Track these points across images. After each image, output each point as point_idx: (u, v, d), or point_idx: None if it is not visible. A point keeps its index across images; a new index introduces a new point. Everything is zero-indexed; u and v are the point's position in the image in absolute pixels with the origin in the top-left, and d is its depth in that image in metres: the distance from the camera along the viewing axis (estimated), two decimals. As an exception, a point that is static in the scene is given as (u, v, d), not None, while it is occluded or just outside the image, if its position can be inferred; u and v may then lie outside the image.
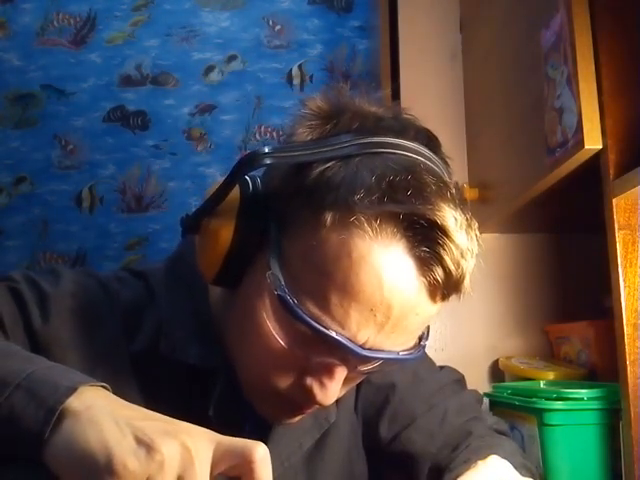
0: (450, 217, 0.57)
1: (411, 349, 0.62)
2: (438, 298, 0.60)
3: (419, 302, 0.58)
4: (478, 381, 1.36)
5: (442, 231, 0.56)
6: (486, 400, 1.15)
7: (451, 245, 0.57)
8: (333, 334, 0.57)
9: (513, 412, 1.07)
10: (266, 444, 0.49)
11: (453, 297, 0.61)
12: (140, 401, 0.63)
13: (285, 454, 0.71)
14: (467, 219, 0.59)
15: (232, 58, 2.20)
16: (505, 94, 1.22)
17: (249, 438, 0.49)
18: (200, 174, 2.13)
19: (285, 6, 2.22)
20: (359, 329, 0.58)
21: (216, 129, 2.16)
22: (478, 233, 0.61)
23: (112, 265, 2.07)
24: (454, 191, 0.60)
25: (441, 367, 0.88)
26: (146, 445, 0.45)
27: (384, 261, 0.56)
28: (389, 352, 0.60)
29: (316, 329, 0.57)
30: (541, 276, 1.42)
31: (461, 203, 0.60)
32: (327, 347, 0.59)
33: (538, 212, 1.23)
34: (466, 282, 0.60)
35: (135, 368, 0.67)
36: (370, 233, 0.56)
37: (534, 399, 1.01)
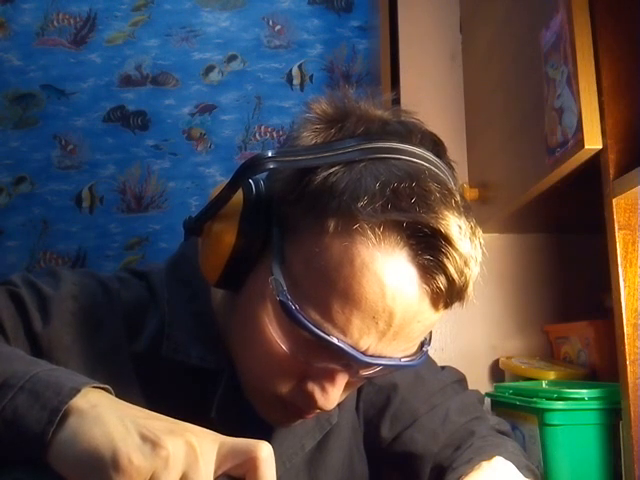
0: (454, 225, 0.57)
1: (413, 355, 0.63)
2: (441, 306, 0.60)
3: (421, 310, 0.58)
4: (478, 381, 1.36)
5: (445, 239, 0.56)
6: (487, 400, 1.15)
7: (454, 254, 0.56)
8: (335, 341, 0.57)
9: (514, 412, 1.07)
10: (268, 445, 0.49)
11: (456, 304, 0.61)
12: (142, 402, 0.63)
13: (287, 455, 0.71)
14: (471, 227, 0.59)
15: (232, 58, 2.20)
16: (505, 94, 1.22)
17: (251, 439, 0.50)
18: (200, 174, 2.13)
19: (285, 6, 2.22)
20: (361, 336, 0.58)
21: (216, 129, 2.16)
22: (482, 241, 0.61)
23: (112, 265, 2.07)
24: (458, 198, 0.59)
25: (442, 367, 0.88)
26: (151, 441, 0.45)
27: (387, 269, 0.56)
28: (390, 358, 0.60)
29: (317, 335, 0.57)
30: (541, 276, 1.42)
31: (466, 210, 0.59)
32: (329, 353, 0.59)
33: (538, 212, 1.24)
34: (469, 290, 0.60)
35: (137, 369, 0.68)
36: (373, 240, 0.56)
37: (535, 399, 1.01)
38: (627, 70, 0.89)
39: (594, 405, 0.98)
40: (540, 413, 0.99)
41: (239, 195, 0.62)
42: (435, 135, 0.66)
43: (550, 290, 1.41)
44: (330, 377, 0.61)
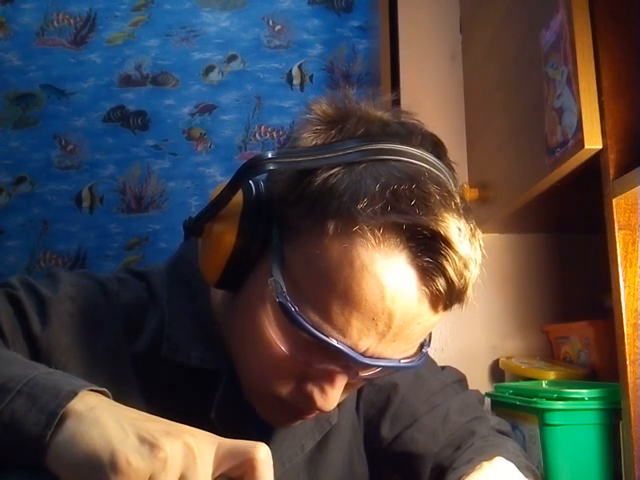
0: (453, 228, 0.56)
1: (412, 356, 0.63)
2: (440, 308, 0.60)
3: (421, 312, 0.58)
4: (478, 381, 1.37)
5: (445, 242, 0.56)
6: (487, 400, 1.15)
7: (454, 256, 0.56)
8: (334, 342, 0.57)
9: (514, 412, 1.07)
10: (268, 445, 0.49)
11: (456, 306, 0.61)
12: (141, 403, 0.64)
13: (287, 455, 0.71)
14: (471, 229, 0.59)
15: (232, 58, 2.20)
16: (505, 94, 1.22)
17: (251, 439, 0.50)
18: (200, 174, 2.13)
19: (285, 6, 2.22)
20: (360, 338, 0.58)
21: (216, 129, 2.16)
22: (482, 242, 0.61)
23: (112, 265, 2.07)
24: (458, 200, 0.59)
25: (442, 367, 0.88)
26: (149, 443, 0.45)
27: (386, 271, 0.56)
28: (390, 360, 0.60)
29: (317, 337, 0.57)
30: (541, 276, 1.42)
31: (465, 212, 0.59)
32: (328, 354, 0.59)
33: (538, 212, 1.24)
34: (469, 292, 0.59)
35: (136, 370, 0.67)
36: (373, 242, 0.56)
37: (535, 399, 1.01)
38: (627, 70, 0.89)
39: (594, 405, 0.98)
40: (540, 413, 0.99)
41: (239, 196, 0.62)
42: (435, 136, 0.65)
43: (550, 290, 1.41)
44: (329, 378, 0.61)
